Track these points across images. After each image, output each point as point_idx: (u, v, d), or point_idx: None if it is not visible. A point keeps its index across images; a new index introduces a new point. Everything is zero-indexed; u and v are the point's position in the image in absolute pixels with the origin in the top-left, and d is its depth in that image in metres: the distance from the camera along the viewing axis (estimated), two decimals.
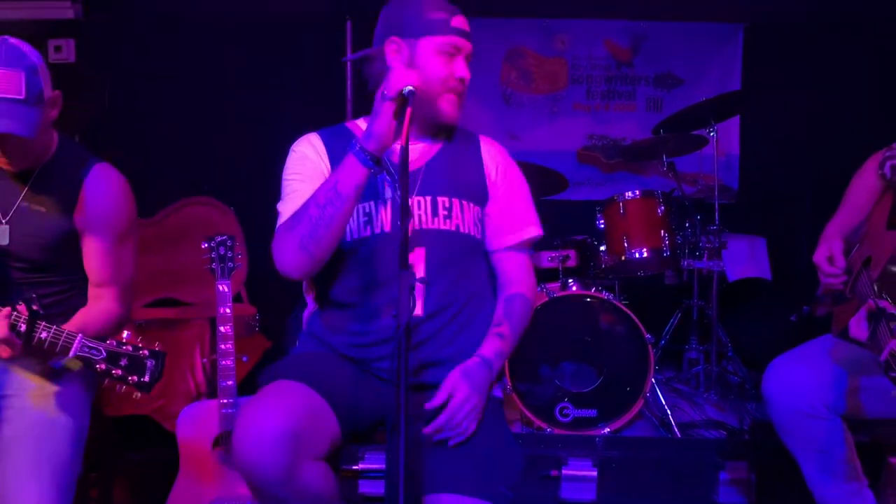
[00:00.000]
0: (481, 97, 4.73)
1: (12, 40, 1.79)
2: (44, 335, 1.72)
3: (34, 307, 1.74)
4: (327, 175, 1.77)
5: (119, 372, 1.71)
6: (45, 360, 1.86)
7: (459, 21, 1.82)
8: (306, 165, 1.84)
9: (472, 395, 1.66)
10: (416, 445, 1.62)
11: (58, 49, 4.25)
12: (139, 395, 1.74)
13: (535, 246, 2.21)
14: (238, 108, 4.34)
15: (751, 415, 3.34)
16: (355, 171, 1.62)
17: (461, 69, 1.80)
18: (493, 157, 1.94)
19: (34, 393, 1.89)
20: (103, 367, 1.70)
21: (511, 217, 1.91)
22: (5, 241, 1.89)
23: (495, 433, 1.71)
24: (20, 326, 1.70)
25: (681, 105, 4.21)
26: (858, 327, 1.80)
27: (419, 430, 1.65)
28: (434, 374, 1.75)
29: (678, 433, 3.11)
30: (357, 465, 2.13)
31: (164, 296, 3.57)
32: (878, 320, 1.71)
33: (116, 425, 2.85)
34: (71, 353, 1.71)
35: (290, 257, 1.67)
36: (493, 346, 1.78)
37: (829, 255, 2.01)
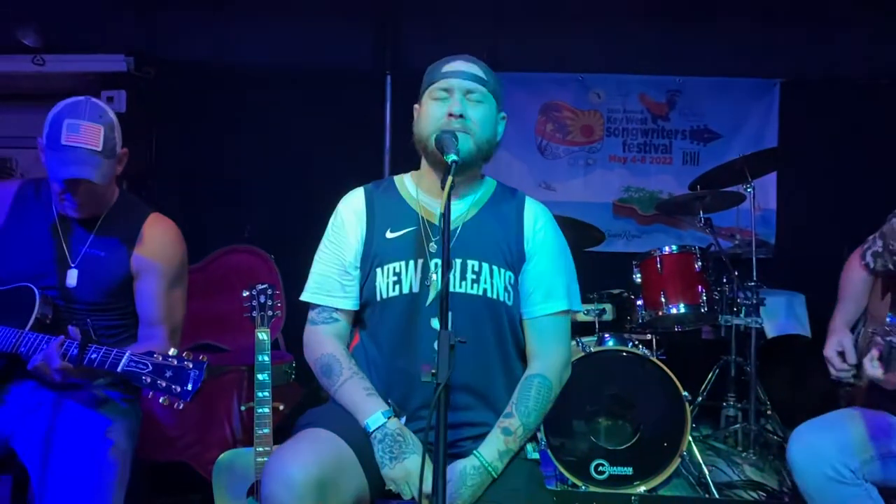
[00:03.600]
0: (517, 148, 4.80)
1: (94, 99, 2.02)
2: (94, 356, 1.84)
3: (88, 331, 1.87)
4: (358, 240, 1.86)
5: (163, 384, 1.77)
6: (92, 379, 1.98)
7: (455, 64, 1.83)
8: (339, 237, 1.89)
9: None
10: None
11: (110, 100, 4.41)
12: (181, 404, 1.78)
13: None
14: (279, 157, 4.47)
15: (791, 477, 3.25)
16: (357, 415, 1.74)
17: (453, 105, 1.77)
18: (535, 222, 1.90)
19: (81, 440, 1.96)
20: (149, 379, 1.77)
21: (547, 287, 1.87)
22: (73, 283, 2.06)
23: (533, 496, 1.69)
24: (73, 351, 1.84)
25: (717, 158, 4.24)
26: (871, 367, 1.86)
27: None
28: (463, 440, 1.75)
29: (716, 494, 3.04)
30: None
31: (204, 342, 3.62)
32: (890, 352, 1.78)
33: (152, 471, 2.87)
34: (120, 368, 1.80)
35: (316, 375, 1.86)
36: (497, 447, 1.72)
37: (839, 349, 2.09)
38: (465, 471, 1.67)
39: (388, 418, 1.70)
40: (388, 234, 1.85)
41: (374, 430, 1.69)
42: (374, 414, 1.71)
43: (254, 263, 3.61)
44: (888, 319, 1.98)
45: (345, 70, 4.54)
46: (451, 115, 1.76)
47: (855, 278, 2.29)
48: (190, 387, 1.77)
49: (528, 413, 1.77)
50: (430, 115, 1.80)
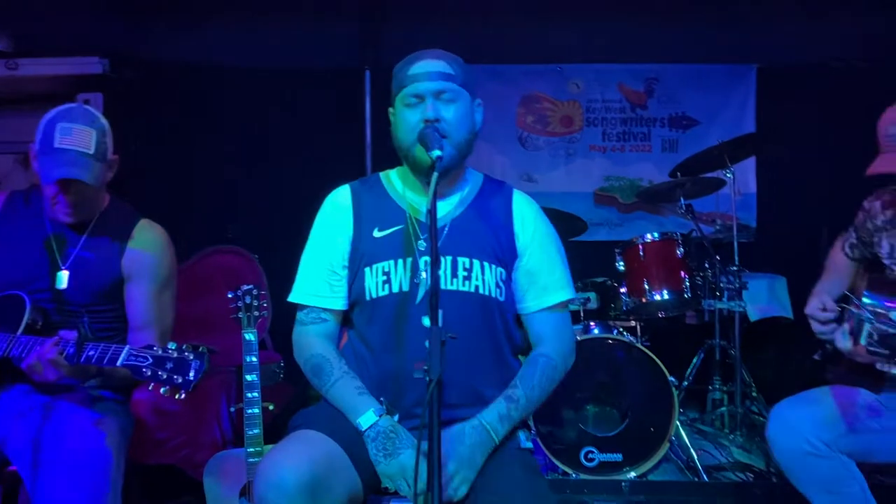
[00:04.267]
0: (497, 140, 4.81)
1: (86, 106, 2.07)
2: (91, 353, 1.84)
3: (84, 330, 1.90)
4: (345, 240, 1.85)
5: (164, 375, 1.76)
6: (87, 379, 1.98)
7: (421, 65, 1.78)
8: (326, 236, 1.89)
9: (459, 468, 1.64)
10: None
11: (86, 103, 4.36)
12: (183, 394, 1.77)
13: None
14: (261, 157, 4.45)
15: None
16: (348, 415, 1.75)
17: (428, 110, 1.74)
18: (525, 216, 1.91)
19: (73, 434, 1.95)
20: (149, 372, 1.77)
21: (543, 282, 1.88)
22: (64, 286, 2.07)
23: (530, 486, 1.69)
24: (70, 349, 1.84)
25: (696, 145, 4.27)
26: (843, 339, 1.91)
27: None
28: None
29: (705, 477, 3.08)
30: None
31: (190, 343, 3.60)
32: (858, 323, 1.84)
33: (142, 474, 2.86)
34: (119, 363, 1.80)
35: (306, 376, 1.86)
36: (498, 410, 1.75)
37: (820, 305, 2.10)
38: (463, 430, 1.69)
39: (380, 416, 1.71)
40: (376, 233, 1.85)
41: (366, 429, 1.70)
42: (366, 412, 1.71)
43: (238, 264, 3.59)
44: (864, 295, 2.02)
45: (324, 68, 4.53)
46: (426, 120, 1.74)
47: (838, 263, 2.38)
48: (192, 376, 1.76)
49: (531, 387, 1.80)
50: (406, 124, 1.78)
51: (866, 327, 1.81)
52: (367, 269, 1.82)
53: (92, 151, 2.00)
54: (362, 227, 1.86)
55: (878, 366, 1.99)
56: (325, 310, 1.88)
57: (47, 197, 2.07)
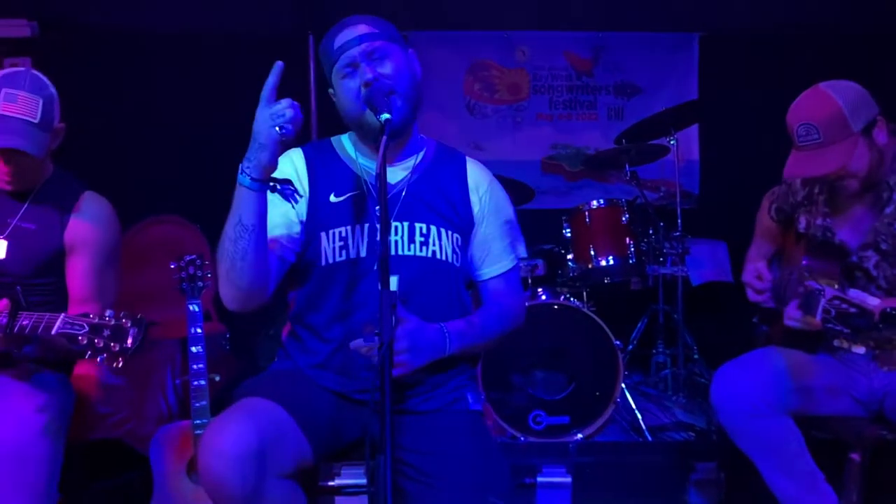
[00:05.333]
0: (445, 108, 4.78)
1: (35, 72, 2.00)
2: (25, 322, 1.79)
3: (18, 299, 1.85)
4: (303, 200, 1.79)
5: (101, 343, 1.71)
6: (20, 348, 1.90)
7: (344, 35, 1.77)
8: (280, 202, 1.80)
9: (411, 350, 1.63)
10: (399, 466, 1.63)
11: (13, 66, 4.17)
12: (120, 362, 1.72)
13: None
14: (200, 125, 4.31)
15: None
16: (251, 200, 1.61)
17: (364, 73, 1.72)
18: (479, 184, 1.92)
19: (12, 421, 1.91)
20: (85, 340, 1.71)
21: (498, 247, 1.91)
22: (2, 255, 2.00)
23: (480, 447, 1.71)
24: (1, 319, 1.78)
25: (641, 113, 4.31)
26: (793, 313, 1.95)
27: (401, 453, 1.66)
28: (407, 398, 1.76)
29: (649, 437, 3.17)
30: (334, 480, 2.12)
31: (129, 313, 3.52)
32: (809, 297, 1.87)
33: (86, 451, 2.80)
34: (54, 330, 1.74)
35: (224, 293, 1.71)
36: (459, 327, 1.76)
37: (756, 273, 2.18)
38: (423, 325, 1.68)
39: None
40: (333, 199, 1.81)
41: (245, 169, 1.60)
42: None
43: (180, 233, 3.51)
44: (803, 262, 2.09)
45: (265, 34, 4.39)
46: (365, 84, 1.71)
47: (766, 223, 2.44)
48: (129, 342, 1.71)
49: (489, 317, 1.85)
50: (347, 94, 1.76)
51: (821, 302, 1.84)
52: (322, 234, 1.78)
53: (37, 121, 1.93)
54: (318, 191, 1.82)
55: (836, 342, 2.07)
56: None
57: None
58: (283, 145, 1.57)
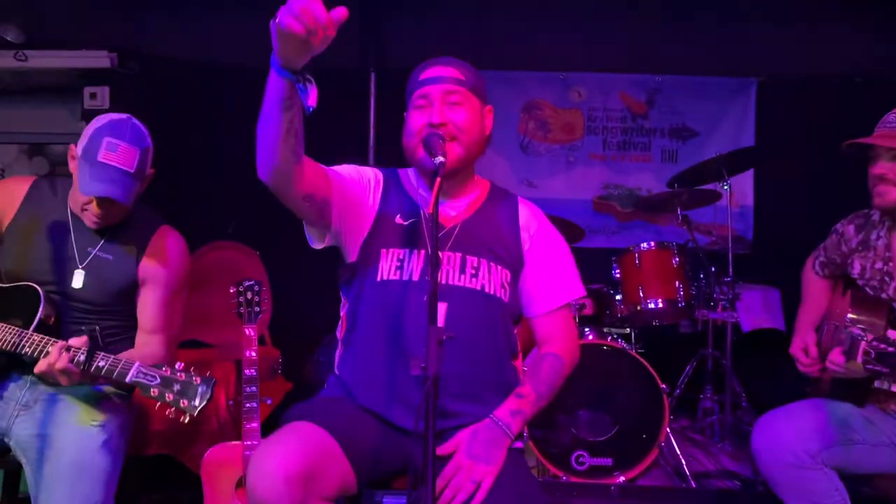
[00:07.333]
0: (499, 146, 4.86)
1: (136, 121, 2.09)
2: (102, 363, 1.88)
3: (95, 337, 1.94)
4: (367, 192, 1.88)
5: (171, 397, 1.81)
6: (94, 382, 2.01)
7: (432, 71, 1.84)
8: (358, 169, 1.93)
9: (474, 463, 1.66)
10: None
11: (93, 96, 4.40)
12: (187, 418, 1.82)
13: None
14: None
15: None
16: (271, 83, 1.61)
17: (433, 115, 1.79)
18: (530, 223, 1.97)
19: (75, 435, 2.00)
20: (157, 392, 1.81)
21: (550, 283, 1.94)
22: (79, 285, 2.10)
23: (519, 485, 1.73)
24: (80, 357, 1.87)
25: (695, 156, 4.31)
26: (837, 358, 1.96)
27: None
28: (450, 430, 1.78)
29: (693, 483, 3.13)
30: None
31: (190, 338, 3.64)
32: (852, 343, 1.90)
33: (140, 465, 2.90)
34: (128, 378, 1.84)
35: (258, 157, 1.75)
36: (509, 407, 1.79)
37: (803, 346, 2.22)
38: (476, 429, 1.72)
39: None
40: (398, 220, 1.89)
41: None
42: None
43: (239, 259, 3.63)
44: (849, 315, 2.08)
45: (329, 68, 4.53)
46: (431, 124, 1.79)
47: (812, 286, 2.47)
48: (197, 402, 1.81)
49: (538, 382, 1.86)
50: (413, 124, 1.84)
51: (862, 345, 1.86)
52: (383, 251, 1.85)
53: (133, 171, 2.02)
54: (387, 209, 1.89)
55: (877, 383, 2.04)
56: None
57: (78, 201, 2.09)
58: (286, 37, 1.48)
